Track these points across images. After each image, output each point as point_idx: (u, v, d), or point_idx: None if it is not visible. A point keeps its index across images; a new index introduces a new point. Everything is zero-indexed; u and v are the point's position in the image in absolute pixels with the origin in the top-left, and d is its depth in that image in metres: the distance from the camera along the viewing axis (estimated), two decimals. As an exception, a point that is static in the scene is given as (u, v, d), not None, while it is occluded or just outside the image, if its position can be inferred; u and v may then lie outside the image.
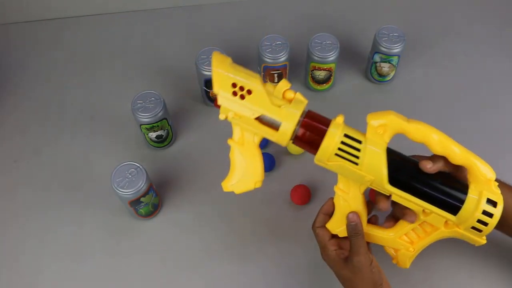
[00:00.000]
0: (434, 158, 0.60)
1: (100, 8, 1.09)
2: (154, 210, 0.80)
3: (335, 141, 0.57)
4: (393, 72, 0.94)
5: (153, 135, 0.84)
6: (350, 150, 0.57)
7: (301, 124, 0.58)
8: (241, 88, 0.58)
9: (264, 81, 0.61)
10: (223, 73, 0.58)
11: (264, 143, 0.86)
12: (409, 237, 0.64)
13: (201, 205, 0.82)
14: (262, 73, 0.90)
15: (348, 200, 0.62)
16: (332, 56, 0.87)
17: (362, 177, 0.58)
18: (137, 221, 0.81)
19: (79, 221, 0.81)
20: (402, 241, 0.64)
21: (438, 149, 0.59)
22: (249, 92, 0.57)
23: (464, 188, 0.58)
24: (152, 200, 0.77)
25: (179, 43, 1.05)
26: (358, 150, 0.57)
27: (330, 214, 0.64)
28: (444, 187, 0.59)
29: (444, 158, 0.59)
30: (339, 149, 0.57)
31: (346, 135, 0.57)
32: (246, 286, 0.74)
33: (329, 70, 0.90)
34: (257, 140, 0.61)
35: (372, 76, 0.95)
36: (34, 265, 0.77)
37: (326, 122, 0.59)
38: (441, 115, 0.92)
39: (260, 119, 0.58)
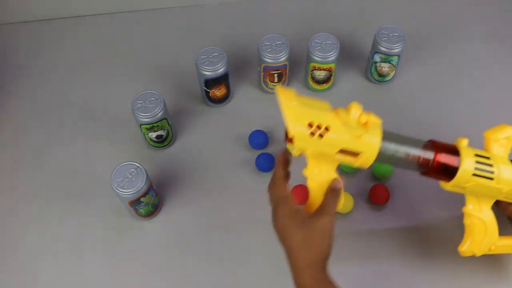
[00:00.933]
0: None
1: (100, 8, 1.09)
2: (154, 210, 0.80)
3: (472, 163, 0.61)
4: (393, 72, 0.94)
5: (153, 135, 0.84)
6: (484, 167, 0.61)
7: (435, 158, 0.62)
8: (318, 127, 0.56)
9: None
10: (296, 115, 0.56)
11: (264, 144, 0.86)
12: None
13: (201, 205, 0.82)
14: (262, 73, 0.90)
15: (481, 217, 0.65)
16: (332, 56, 0.87)
17: (499, 190, 0.62)
18: (137, 221, 0.81)
19: (79, 221, 0.81)
20: None
21: None
22: (327, 129, 0.56)
23: None
24: (152, 200, 0.77)
25: (179, 43, 1.05)
26: (491, 165, 0.61)
27: (287, 163, 0.63)
28: None
29: None
30: (475, 168, 0.61)
31: (477, 155, 0.62)
32: (246, 286, 0.74)
33: (329, 70, 0.90)
34: (335, 167, 0.62)
35: (372, 76, 0.95)
36: (33, 265, 0.77)
37: (454, 149, 0.63)
38: (441, 115, 0.92)
39: (341, 151, 0.58)
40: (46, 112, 0.95)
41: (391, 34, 0.88)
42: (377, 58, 0.90)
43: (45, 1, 1.06)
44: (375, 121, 0.59)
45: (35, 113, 0.95)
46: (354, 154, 0.58)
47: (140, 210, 0.77)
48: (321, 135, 0.56)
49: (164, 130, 0.84)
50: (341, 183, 0.61)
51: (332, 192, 0.61)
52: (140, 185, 0.72)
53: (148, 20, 1.09)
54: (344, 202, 0.78)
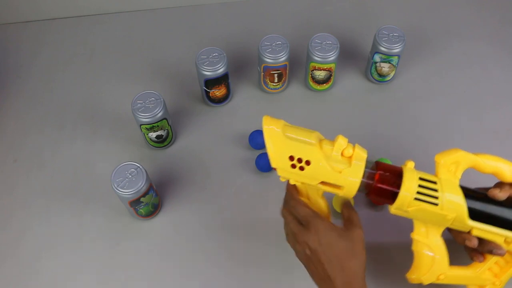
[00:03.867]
0: (501, 184, 0.61)
1: (100, 8, 1.09)
2: (154, 210, 0.80)
3: (413, 186, 0.58)
4: (393, 72, 0.94)
5: (153, 135, 0.84)
6: (428, 192, 0.58)
7: (375, 178, 0.59)
8: (299, 160, 0.58)
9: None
10: (278, 148, 0.58)
11: (264, 144, 0.86)
12: (492, 271, 0.64)
13: (201, 205, 0.82)
14: (262, 73, 0.90)
15: (428, 244, 0.62)
16: (332, 56, 0.87)
17: (444, 217, 0.58)
18: (137, 221, 0.81)
19: (79, 221, 0.81)
20: (487, 276, 0.63)
21: (508, 177, 0.60)
22: (307, 163, 0.58)
23: None
24: (152, 200, 0.77)
25: (179, 43, 1.05)
26: (436, 190, 0.58)
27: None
28: None
29: (510, 184, 0.61)
30: (418, 192, 0.58)
31: (421, 179, 0.59)
32: (246, 286, 0.74)
33: (329, 70, 0.90)
34: (321, 192, 0.64)
35: (372, 76, 0.95)
36: (34, 265, 0.77)
37: (398, 171, 0.60)
38: (441, 115, 0.92)
39: (323, 182, 0.60)
40: (46, 112, 0.95)
41: (391, 34, 0.88)
42: (377, 58, 0.90)
43: (45, 1, 1.06)
44: (360, 155, 0.59)
45: (35, 113, 0.95)
46: (337, 186, 0.60)
47: (140, 210, 0.77)
48: (302, 168, 0.58)
49: (164, 130, 0.84)
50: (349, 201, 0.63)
51: (350, 206, 0.64)
52: (140, 185, 0.72)
53: (148, 20, 1.09)
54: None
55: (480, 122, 0.91)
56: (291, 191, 0.64)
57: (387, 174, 0.59)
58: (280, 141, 0.58)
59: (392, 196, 0.59)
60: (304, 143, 0.58)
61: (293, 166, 0.58)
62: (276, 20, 1.08)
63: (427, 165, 0.85)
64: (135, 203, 0.74)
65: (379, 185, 0.59)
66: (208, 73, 0.85)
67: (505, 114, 0.92)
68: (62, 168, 0.87)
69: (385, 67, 0.92)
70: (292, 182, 0.61)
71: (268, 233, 0.79)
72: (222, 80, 0.87)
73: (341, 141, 0.58)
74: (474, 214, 0.59)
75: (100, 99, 0.96)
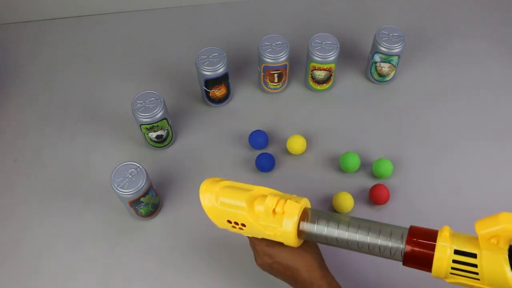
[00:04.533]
0: None
1: (100, 8, 1.09)
2: (154, 210, 0.80)
3: (446, 261, 0.52)
4: (393, 72, 0.94)
5: (153, 135, 0.84)
6: (465, 268, 0.51)
7: (406, 244, 0.54)
8: (236, 223, 0.63)
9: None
10: (215, 215, 0.65)
11: (264, 143, 0.86)
12: None
13: (201, 205, 0.82)
14: (262, 73, 0.90)
15: None
16: (332, 56, 0.87)
17: None
18: (137, 221, 0.81)
19: (79, 221, 0.81)
20: None
21: None
22: (243, 225, 0.63)
23: None
24: (152, 200, 0.77)
25: (179, 43, 1.05)
26: (475, 266, 0.51)
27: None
28: None
29: None
30: (453, 268, 0.52)
31: (457, 252, 0.52)
32: (246, 286, 0.74)
33: (329, 70, 0.90)
34: None
35: (372, 76, 0.95)
36: (34, 265, 0.77)
37: (433, 237, 0.54)
38: (441, 115, 0.92)
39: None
40: (46, 112, 0.95)
41: (391, 34, 0.88)
42: (377, 58, 0.90)
43: (45, 1, 1.06)
44: (290, 212, 0.59)
45: (35, 113, 0.95)
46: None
47: (140, 210, 0.77)
48: (241, 228, 0.63)
49: (164, 130, 0.84)
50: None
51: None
52: (140, 185, 0.72)
53: (148, 20, 1.09)
54: (344, 202, 0.78)
55: (480, 121, 0.91)
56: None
57: (418, 243, 0.54)
58: (215, 210, 0.64)
59: (429, 266, 0.54)
60: (236, 209, 0.62)
61: (234, 226, 0.64)
62: (276, 20, 1.08)
63: (426, 165, 0.85)
64: (135, 203, 0.74)
65: (410, 257, 0.54)
66: (208, 73, 0.85)
67: (505, 114, 0.92)
68: (62, 168, 0.87)
69: (385, 67, 0.92)
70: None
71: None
72: (222, 80, 0.87)
73: (269, 202, 0.60)
74: None
75: (100, 99, 0.96)
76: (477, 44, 1.02)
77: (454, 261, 0.52)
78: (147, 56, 1.03)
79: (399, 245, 0.55)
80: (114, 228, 0.80)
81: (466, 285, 0.53)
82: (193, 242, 0.78)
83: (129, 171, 0.73)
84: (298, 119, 0.92)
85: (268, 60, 0.87)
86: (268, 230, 0.61)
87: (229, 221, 0.63)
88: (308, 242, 0.63)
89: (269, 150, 0.87)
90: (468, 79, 0.97)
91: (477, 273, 0.51)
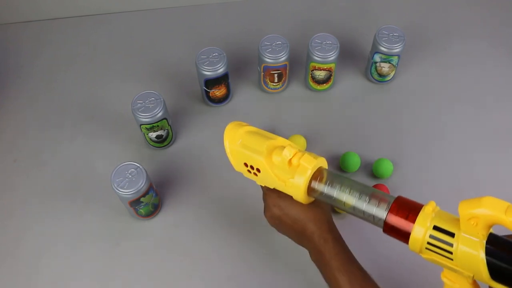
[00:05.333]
0: None
1: (100, 8, 1.09)
2: (154, 210, 0.80)
3: (423, 235, 0.52)
4: (393, 72, 0.94)
5: (153, 135, 0.84)
6: (441, 245, 0.51)
7: (385, 219, 0.55)
8: (252, 167, 0.64)
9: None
10: (234, 156, 0.65)
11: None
12: None
13: (201, 205, 0.82)
14: (262, 73, 0.90)
15: None
16: (332, 56, 0.87)
17: (460, 272, 0.51)
18: (137, 221, 0.81)
19: (79, 221, 0.81)
20: None
21: None
22: (258, 170, 0.63)
23: None
24: (152, 200, 0.77)
25: (179, 43, 1.05)
26: (451, 245, 0.50)
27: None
28: None
29: None
30: (429, 243, 0.52)
31: (436, 228, 0.51)
32: (246, 285, 0.74)
33: (329, 70, 0.90)
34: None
35: (372, 76, 0.95)
36: (33, 265, 0.77)
37: (416, 210, 0.54)
38: (441, 115, 0.92)
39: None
40: (46, 112, 0.95)
41: (391, 34, 0.88)
42: (377, 58, 0.90)
43: (46, 1, 1.06)
44: (303, 166, 0.59)
45: (36, 113, 0.95)
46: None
47: (140, 210, 0.77)
48: (255, 174, 0.64)
49: (164, 130, 0.84)
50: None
51: None
52: (140, 185, 0.72)
53: (148, 20, 1.09)
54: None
55: (480, 122, 0.91)
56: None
57: (399, 214, 0.54)
58: (235, 150, 0.65)
59: (407, 238, 0.54)
60: (253, 152, 0.63)
61: (249, 171, 0.65)
62: (276, 20, 1.08)
63: (426, 165, 0.85)
64: (135, 203, 0.74)
65: (390, 225, 0.55)
66: (208, 73, 0.85)
67: (505, 114, 0.92)
68: (62, 168, 0.87)
69: (385, 67, 0.92)
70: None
71: (268, 232, 0.79)
72: (222, 80, 0.87)
73: (287, 152, 0.60)
74: (501, 276, 0.49)
75: (100, 99, 0.96)
76: (477, 44, 1.02)
77: (432, 237, 0.51)
78: (147, 56, 1.03)
79: (383, 212, 0.56)
80: (114, 228, 0.80)
81: (438, 263, 0.53)
82: (193, 242, 0.78)
83: (129, 171, 0.73)
84: (298, 119, 0.92)
85: (268, 60, 0.87)
86: (280, 179, 0.61)
87: (246, 164, 0.64)
88: (319, 200, 0.63)
89: (269, 150, 0.87)
90: (468, 79, 0.97)
91: (451, 253, 0.51)
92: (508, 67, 0.99)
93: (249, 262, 0.76)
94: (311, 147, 0.87)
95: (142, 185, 0.72)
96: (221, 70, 0.85)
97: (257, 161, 0.62)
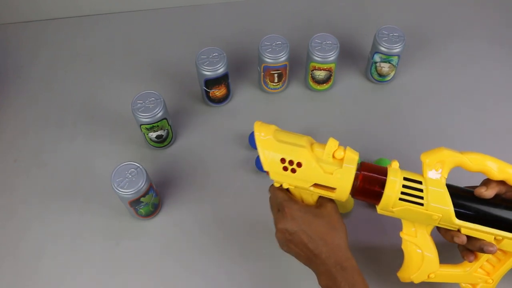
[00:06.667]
0: (487, 182, 0.60)
1: (100, 8, 1.09)
2: (154, 210, 0.80)
3: (397, 187, 0.58)
4: (393, 72, 0.94)
5: (153, 135, 0.84)
6: (413, 192, 0.58)
7: (359, 178, 0.59)
8: (291, 162, 0.59)
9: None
10: (269, 151, 0.59)
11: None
12: (484, 269, 0.63)
13: (201, 205, 0.82)
14: (262, 73, 0.90)
15: (417, 243, 0.62)
16: (332, 56, 0.87)
17: (430, 216, 0.58)
18: (137, 221, 0.81)
19: (79, 221, 0.81)
20: (478, 274, 0.63)
21: (496, 175, 0.59)
22: (299, 165, 0.59)
23: None
24: (152, 200, 0.77)
25: (179, 43, 1.05)
26: (421, 190, 0.58)
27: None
28: (510, 210, 0.59)
29: (499, 182, 0.60)
30: (402, 193, 0.58)
31: (405, 178, 0.58)
32: (246, 285, 0.74)
33: (329, 70, 0.90)
34: (315, 198, 0.63)
35: (372, 76, 0.95)
36: (33, 265, 0.77)
37: (383, 171, 0.59)
38: (441, 115, 0.92)
39: (315, 185, 0.60)
40: (46, 112, 0.95)
41: (391, 34, 0.88)
42: (377, 58, 0.90)
43: (45, 1, 1.06)
44: (351, 156, 0.59)
45: (35, 113, 0.95)
46: (329, 188, 0.60)
47: (140, 210, 0.77)
48: (293, 170, 0.59)
49: (164, 130, 0.84)
50: None
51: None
52: (140, 185, 0.72)
53: (148, 20, 1.09)
54: (344, 202, 0.78)
55: (480, 122, 0.91)
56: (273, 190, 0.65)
57: (371, 174, 0.59)
58: (271, 144, 0.59)
59: (378, 197, 0.59)
60: (295, 145, 0.59)
61: (285, 168, 0.59)
62: (276, 20, 1.08)
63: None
64: (135, 203, 0.74)
65: (363, 185, 0.59)
66: (208, 73, 0.85)
67: (505, 114, 0.92)
68: (62, 168, 0.87)
69: (385, 67, 0.92)
70: (285, 186, 0.61)
71: (268, 232, 0.79)
72: (222, 80, 0.87)
73: (332, 143, 0.59)
74: (461, 214, 0.59)
75: (100, 99, 0.96)
76: (477, 44, 1.02)
77: (404, 186, 0.57)
78: (147, 56, 1.03)
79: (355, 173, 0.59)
80: (114, 228, 0.80)
81: (408, 213, 0.59)
82: (193, 242, 0.78)
83: (129, 171, 0.73)
84: (298, 119, 0.92)
85: (268, 60, 0.87)
86: (326, 171, 0.58)
87: (283, 160, 0.59)
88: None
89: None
90: (468, 79, 0.97)
91: (422, 198, 0.57)
92: (508, 67, 0.99)
93: (249, 262, 0.76)
94: (311, 147, 0.87)
95: (142, 185, 0.72)
96: (221, 70, 0.85)
97: (301, 153, 0.58)
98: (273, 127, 0.62)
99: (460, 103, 0.93)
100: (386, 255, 0.76)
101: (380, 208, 0.60)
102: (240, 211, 0.81)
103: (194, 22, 1.08)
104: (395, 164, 0.60)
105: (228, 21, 1.08)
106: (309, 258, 0.60)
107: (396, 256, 0.75)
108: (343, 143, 0.87)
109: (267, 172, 0.61)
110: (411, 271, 0.63)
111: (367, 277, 0.60)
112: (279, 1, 1.12)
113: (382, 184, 0.58)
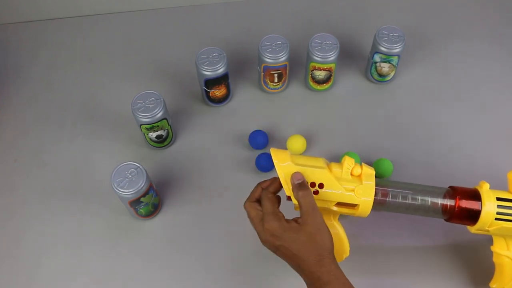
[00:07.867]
0: None
1: (100, 8, 1.09)
2: (154, 210, 0.80)
3: (493, 208, 0.62)
4: (393, 72, 0.94)
5: (153, 135, 0.84)
6: (507, 211, 0.62)
7: (455, 203, 0.63)
8: (313, 184, 0.61)
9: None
10: (287, 175, 0.61)
11: (264, 144, 0.86)
12: None
13: (201, 205, 0.82)
14: (262, 73, 0.90)
15: (509, 256, 0.65)
16: (332, 56, 0.87)
17: None
18: (137, 221, 0.81)
19: (79, 221, 0.81)
20: None
21: None
22: (321, 186, 0.61)
23: None
24: (152, 200, 0.77)
25: (179, 43, 1.05)
26: None
27: (273, 190, 0.64)
28: None
29: None
30: (498, 213, 0.62)
31: (498, 198, 0.62)
32: (245, 285, 0.74)
33: (329, 70, 0.90)
34: (336, 217, 0.66)
35: (372, 76, 0.95)
36: (33, 265, 0.77)
37: (476, 194, 0.63)
38: (441, 115, 0.92)
39: (338, 204, 0.62)
40: (46, 112, 0.95)
41: (391, 34, 0.88)
42: (377, 58, 0.90)
43: (45, 1, 1.06)
44: (368, 173, 0.62)
45: (35, 113, 0.95)
46: (352, 205, 0.62)
47: (140, 210, 0.77)
48: (316, 192, 0.61)
49: (164, 130, 0.84)
50: (300, 175, 0.61)
51: (299, 189, 0.60)
52: (140, 185, 0.72)
53: (148, 20, 1.09)
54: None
55: (480, 122, 0.91)
56: (259, 188, 0.65)
57: (466, 198, 0.63)
58: (291, 170, 0.61)
59: (474, 219, 0.63)
60: (314, 167, 0.61)
61: None
62: (276, 20, 1.08)
63: (426, 165, 0.85)
64: (135, 203, 0.74)
65: (460, 212, 0.63)
66: (208, 73, 0.85)
67: (505, 114, 0.92)
68: (62, 168, 0.87)
69: (385, 67, 0.92)
70: (297, 209, 0.62)
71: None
72: (222, 80, 0.87)
73: (348, 161, 0.61)
74: None
75: (100, 99, 0.96)
76: (477, 44, 1.02)
77: (499, 206, 0.61)
78: (147, 56, 1.03)
79: (451, 201, 0.64)
80: (114, 228, 0.80)
81: (504, 231, 0.62)
82: (193, 242, 0.78)
83: (129, 171, 0.73)
84: (298, 119, 0.92)
85: (268, 60, 0.87)
86: (348, 188, 0.61)
87: None
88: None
89: (269, 149, 0.87)
90: (468, 79, 0.97)
91: None
92: (508, 67, 0.99)
93: (249, 262, 0.76)
94: (311, 147, 0.87)
95: (142, 185, 0.72)
96: (221, 70, 0.85)
97: (321, 174, 0.61)
98: (287, 152, 0.64)
99: (460, 103, 0.93)
100: (386, 255, 0.76)
101: (475, 229, 0.64)
102: (240, 211, 0.81)
103: (194, 22, 1.08)
104: (486, 186, 0.63)
105: (228, 21, 1.08)
106: (296, 269, 0.61)
107: (397, 257, 0.75)
108: (343, 143, 0.88)
109: (288, 197, 0.62)
110: (504, 282, 0.66)
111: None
112: (279, 1, 1.12)
113: (478, 209, 0.62)
